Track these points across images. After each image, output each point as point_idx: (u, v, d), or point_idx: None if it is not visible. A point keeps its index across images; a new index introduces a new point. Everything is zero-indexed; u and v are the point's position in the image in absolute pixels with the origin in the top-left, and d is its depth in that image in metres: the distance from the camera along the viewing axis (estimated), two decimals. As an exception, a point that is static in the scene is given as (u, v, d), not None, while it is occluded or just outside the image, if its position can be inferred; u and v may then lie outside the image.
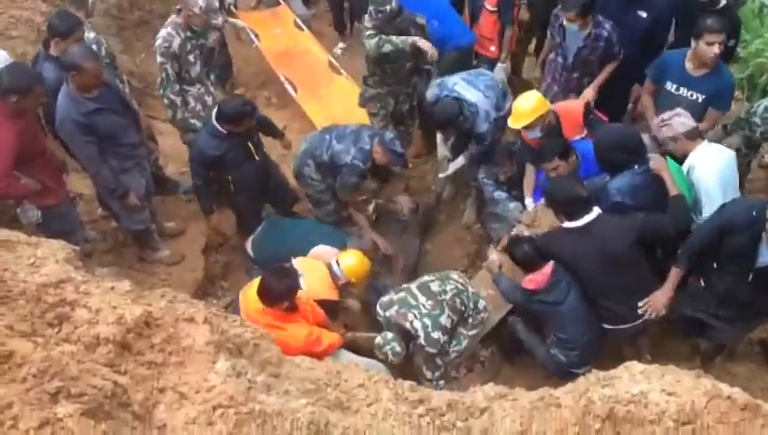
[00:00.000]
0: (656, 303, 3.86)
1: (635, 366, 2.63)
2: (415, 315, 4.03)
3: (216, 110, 4.74)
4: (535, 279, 4.02)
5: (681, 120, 4.09)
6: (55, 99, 4.27)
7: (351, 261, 4.46)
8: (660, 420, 2.23)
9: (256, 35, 6.97)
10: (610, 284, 3.90)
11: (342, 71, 6.95)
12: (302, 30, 7.28)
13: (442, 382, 4.26)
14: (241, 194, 5.07)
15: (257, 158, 4.99)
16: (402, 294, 4.18)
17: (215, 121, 4.70)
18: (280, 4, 7.46)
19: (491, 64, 5.99)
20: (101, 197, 5.02)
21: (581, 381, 2.73)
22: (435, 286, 4.17)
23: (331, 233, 5.02)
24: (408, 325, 4.02)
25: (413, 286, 4.22)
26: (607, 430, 2.28)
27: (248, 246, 5.04)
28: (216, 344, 2.43)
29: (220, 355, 2.40)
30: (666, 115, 4.22)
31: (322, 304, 4.22)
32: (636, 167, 3.92)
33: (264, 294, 3.76)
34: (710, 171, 4.02)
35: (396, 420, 2.54)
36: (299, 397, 2.50)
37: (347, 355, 4.09)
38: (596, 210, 3.89)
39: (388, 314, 4.11)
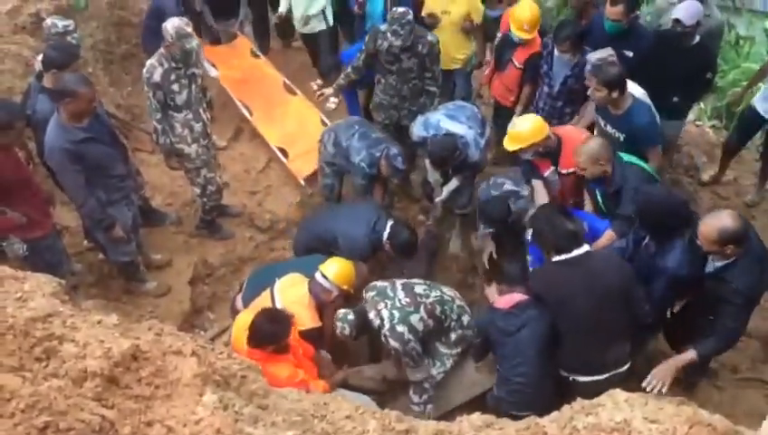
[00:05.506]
0: (661, 374, 3.62)
1: (618, 394, 2.66)
2: (386, 305, 4.04)
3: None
4: (504, 299, 3.97)
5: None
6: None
7: (336, 268, 4.25)
8: (643, 447, 2.26)
9: (214, 65, 6.94)
10: (595, 322, 3.66)
11: (297, 90, 7.04)
12: (259, 57, 7.35)
13: (430, 407, 4.26)
14: None
15: None
16: (385, 284, 4.21)
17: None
18: (237, 37, 7.46)
19: (509, 112, 5.84)
20: (87, 229, 5.02)
21: (566, 409, 2.75)
22: (419, 289, 4.19)
23: (311, 261, 4.76)
24: (373, 314, 4.05)
25: (398, 282, 4.24)
26: (591, 458, 2.30)
27: (238, 303, 4.65)
28: (203, 377, 2.43)
29: (207, 388, 2.40)
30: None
31: (306, 334, 4.15)
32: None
33: (251, 334, 3.74)
34: None
35: (383, 450, 2.55)
36: (286, 429, 2.50)
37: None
38: (586, 245, 3.75)
39: (367, 295, 4.16)
